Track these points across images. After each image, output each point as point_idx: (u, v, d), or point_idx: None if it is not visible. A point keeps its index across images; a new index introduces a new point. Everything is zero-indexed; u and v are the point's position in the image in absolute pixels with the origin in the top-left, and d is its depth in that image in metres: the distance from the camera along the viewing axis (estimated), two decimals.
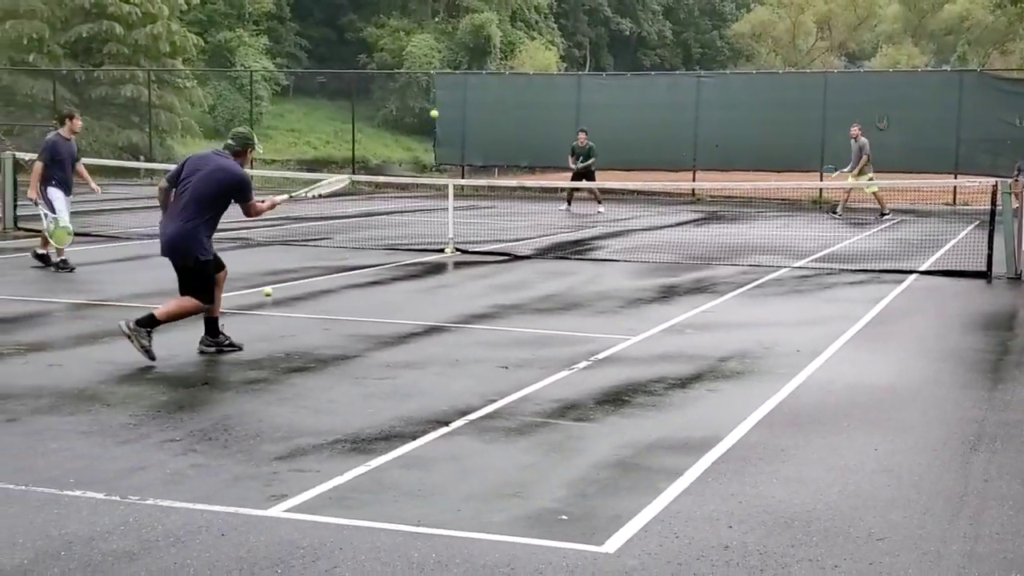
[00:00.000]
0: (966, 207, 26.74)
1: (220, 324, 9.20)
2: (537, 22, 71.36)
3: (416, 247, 17.06)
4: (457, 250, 16.53)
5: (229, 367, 8.64)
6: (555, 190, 26.40)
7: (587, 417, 7.40)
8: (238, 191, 8.97)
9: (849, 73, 44.57)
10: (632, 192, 29.77)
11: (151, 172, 34.83)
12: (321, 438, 6.74)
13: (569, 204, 25.99)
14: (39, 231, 14.22)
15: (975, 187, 21.15)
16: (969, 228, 20.88)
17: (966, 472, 6.36)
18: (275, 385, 8.12)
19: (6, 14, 39.40)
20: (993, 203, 14.94)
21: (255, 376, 8.37)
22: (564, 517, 5.47)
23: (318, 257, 15.83)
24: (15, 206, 18.08)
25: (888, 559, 5.02)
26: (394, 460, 6.36)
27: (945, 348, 10.15)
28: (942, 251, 17.37)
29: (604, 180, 29.32)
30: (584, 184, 25.19)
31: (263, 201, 9.33)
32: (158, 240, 9.12)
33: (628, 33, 79.81)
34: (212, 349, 8.98)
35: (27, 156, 26.29)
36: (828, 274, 14.89)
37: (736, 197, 29.04)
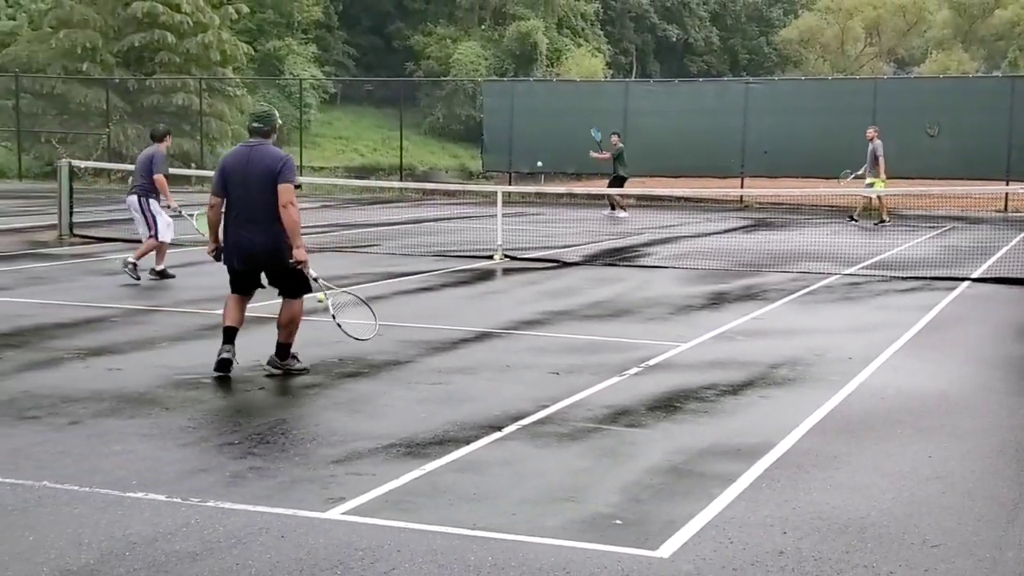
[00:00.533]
0: (1017, 214, 26.51)
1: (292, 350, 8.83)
2: (583, 29, 71.34)
3: (465, 254, 17.16)
4: (506, 256, 16.61)
5: (284, 373, 8.74)
6: (601, 197, 26.42)
7: (639, 423, 7.44)
8: (281, 170, 8.40)
9: (899, 79, 44.26)
10: (679, 199, 29.77)
11: (202, 180, 35.22)
12: (376, 442, 6.82)
13: (612, 209, 26.02)
14: (106, 239, 14.45)
15: None
16: (1021, 235, 20.70)
17: (1020, 479, 6.33)
18: (330, 390, 8.23)
19: (60, 24, 40.01)
20: None
21: (310, 381, 8.48)
22: (618, 522, 5.51)
23: (369, 263, 15.96)
24: (71, 213, 18.36)
25: (943, 565, 5.02)
26: (448, 464, 6.43)
27: (998, 355, 10.09)
28: (994, 258, 17.23)
29: (651, 186, 29.36)
30: (614, 190, 25.29)
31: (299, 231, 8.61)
32: (233, 252, 8.54)
33: (675, 39, 79.57)
34: (279, 371, 8.58)
35: (82, 164, 26.83)
36: (879, 281, 14.82)
37: (785, 204, 28.93)
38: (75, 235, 18.20)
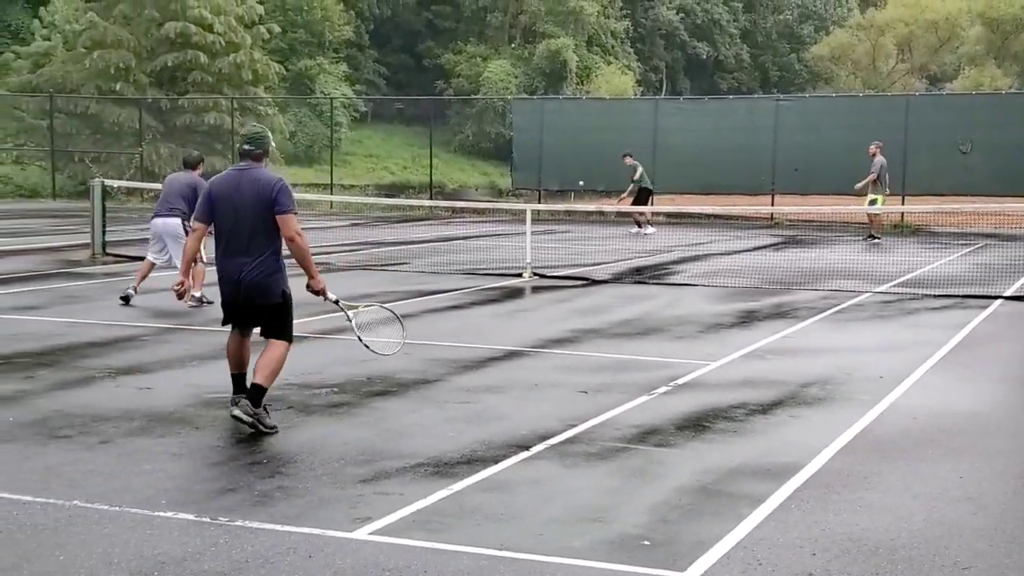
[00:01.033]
0: None
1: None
2: (613, 47, 71.41)
3: (494, 272, 17.16)
4: (535, 275, 16.61)
5: (312, 392, 8.77)
6: (630, 215, 26.40)
7: (668, 442, 7.41)
8: (276, 198, 7.49)
9: (931, 95, 43.97)
10: (709, 216, 29.70)
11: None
12: (404, 461, 6.83)
13: (639, 227, 26.02)
14: (138, 258, 14.13)
15: None
16: None
17: None
18: (357, 409, 8.24)
19: (95, 44, 40.39)
20: None
21: (338, 400, 8.50)
22: (646, 542, 5.49)
23: (398, 282, 15.99)
24: (104, 232, 18.50)
25: None
26: (476, 484, 6.43)
27: None
28: None
29: (681, 204, 29.32)
30: (636, 208, 25.32)
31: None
32: (223, 285, 7.71)
33: (705, 57, 79.52)
34: (248, 420, 7.38)
35: (114, 183, 27.07)
36: (911, 299, 14.72)
37: (815, 221, 28.80)
38: (108, 254, 18.33)
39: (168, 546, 5.32)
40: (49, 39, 44.10)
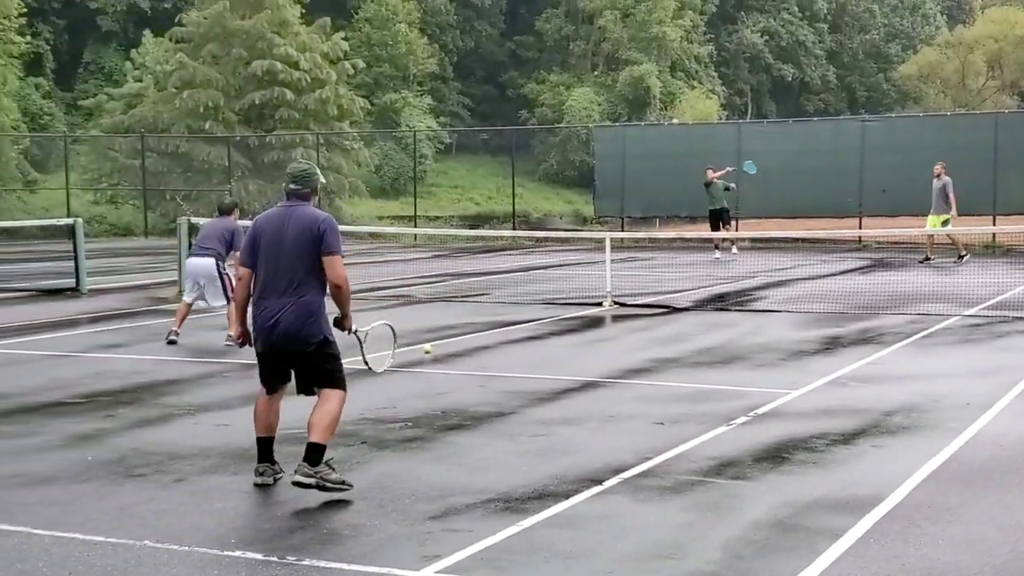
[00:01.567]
0: None
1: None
2: (697, 71, 71.18)
3: (574, 301, 17.08)
4: (615, 303, 16.49)
5: (386, 426, 8.76)
6: (711, 240, 26.15)
7: (745, 475, 7.25)
8: (324, 238, 6.90)
9: (1021, 112, 43.02)
10: (796, 240, 29.30)
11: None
12: (474, 497, 6.77)
13: (719, 249, 25.77)
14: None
15: None
16: None
17: None
18: (431, 443, 8.21)
19: (184, 84, 41.31)
20: None
21: (411, 434, 8.47)
22: None
23: (477, 312, 15.99)
24: None
25: None
26: (547, 520, 6.34)
27: None
28: None
29: (767, 228, 28.98)
30: (720, 234, 25.06)
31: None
32: (257, 332, 7.14)
33: (790, 79, 78.86)
34: (311, 481, 6.76)
35: (203, 220, 27.48)
36: (1001, 322, 14.32)
37: (904, 243, 28.23)
38: None
39: None
40: (140, 80, 45.27)
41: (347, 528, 6.22)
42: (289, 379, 7.22)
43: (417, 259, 26.84)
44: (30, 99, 48.69)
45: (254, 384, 10.57)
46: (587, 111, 61.48)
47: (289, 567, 5.59)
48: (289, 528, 6.24)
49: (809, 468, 7.42)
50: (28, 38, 45.30)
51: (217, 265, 13.30)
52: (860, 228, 29.04)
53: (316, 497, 6.80)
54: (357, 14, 61.40)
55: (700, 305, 16.75)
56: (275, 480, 7.13)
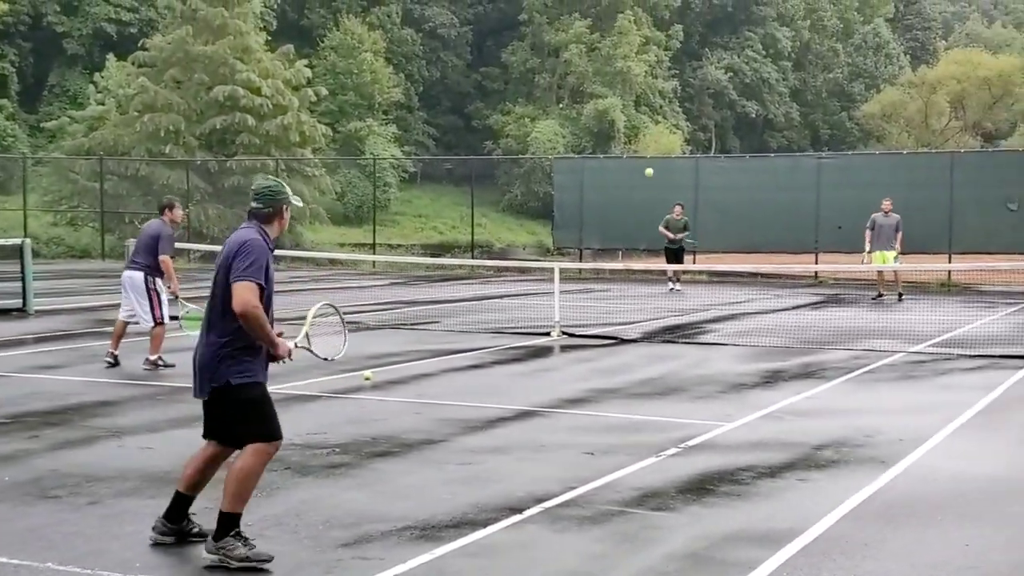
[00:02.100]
0: None
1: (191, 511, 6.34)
2: (661, 106, 71.57)
3: (523, 331, 17.02)
4: (564, 333, 16.44)
5: (313, 452, 8.65)
6: (665, 272, 26.20)
7: (667, 506, 7.20)
8: (232, 263, 6.02)
9: (977, 152, 43.55)
10: (754, 275, 29.43)
11: (278, 258, 35.75)
12: (391, 524, 6.67)
13: (671, 281, 25.86)
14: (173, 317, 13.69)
15: None
16: None
17: None
18: (356, 470, 8.11)
19: (145, 108, 41.14)
20: None
21: (338, 460, 8.37)
22: None
23: (424, 340, 15.90)
24: None
25: None
26: (460, 548, 6.27)
27: None
28: None
29: (723, 262, 29.10)
30: (676, 267, 25.10)
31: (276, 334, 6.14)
32: None
33: (754, 115, 79.45)
34: (211, 559, 5.94)
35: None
36: (945, 359, 14.37)
37: (860, 280, 28.37)
38: None
39: None
40: (103, 103, 45.04)
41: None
42: (218, 429, 6.29)
43: (373, 286, 26.71)
44: None
45: (184, 408, 10.48)
46: (551, 143, 61.66)
47: None
48: (199, 553, 6.11)
49: (732, 501, 7.37)
50: None
51: (146, 280, 12.78)
52: (816, 264, 29.18)
53: None
54: (323, 42, 61.47)
55: (648, 337, 16.72)
56: (166, 538, 6.24)
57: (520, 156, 60.78)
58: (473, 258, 35.64)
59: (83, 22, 55.32)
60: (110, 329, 16.25)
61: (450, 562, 6.04)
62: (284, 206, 6.31)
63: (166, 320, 12.98)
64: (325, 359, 6.74)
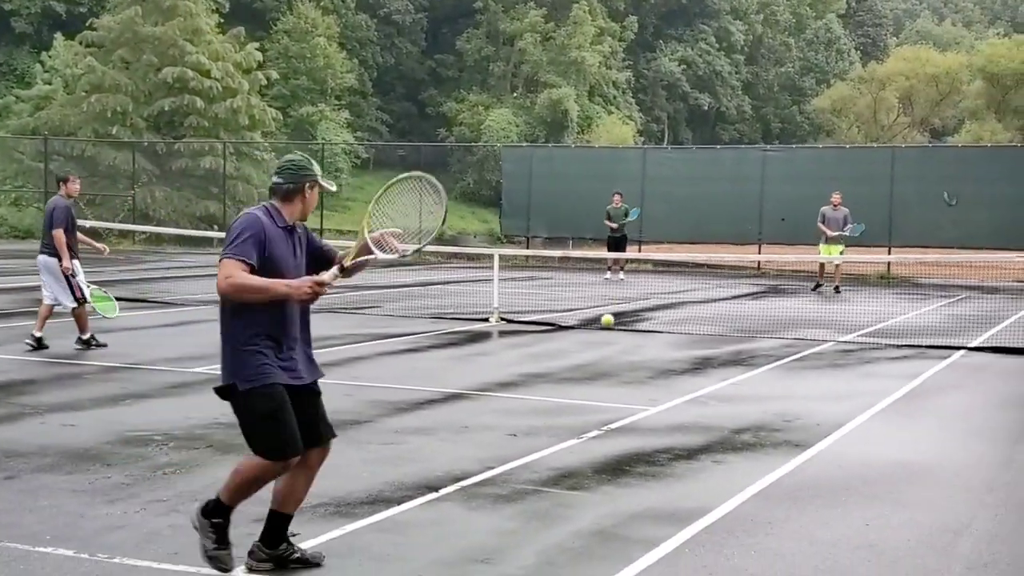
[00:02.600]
0: None
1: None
2: (615, 97, 71.87)
3: (462, 316, 17.12)
4: (502, 319, 16.56)
5: (237, 431, 8.66)
6: (618, 261, 26.41)
7: (581, 486, 7.34)
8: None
9: (918, 147, 44.15)
10: (699, 265, 29.70)
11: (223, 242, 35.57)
12: (307, 501, 6.72)
13: (610, 271, 26.20)
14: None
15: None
16: None
17: (952, 550, 6.17)
18: None
19: (93, 88, 40.75)
20: None
21: None
22: None
23: (363, 324, 15.95)
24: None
25: None
26: (373, 524, 6.37)
27: (972, 426, 9.89)
28: (998, 328, 16.96)
29: (667, 252, 29.34)
30: (617, 255, 25.36)
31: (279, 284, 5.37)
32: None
33: (707, 108, 79.97)
34: (266, 567, 5.60)
35: (107, 225, 27.26)
36: (872, 349, 14.63)
37: (802, 271, 28.71)
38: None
39: None
40: (50, 83, 44.51)
41: (168, 528, 6.18)
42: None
43: None
44: None
45: (112, 387, 10.51)
46: (505, 132, 61.72)
47: (96, 564, 5.55)
48: (109, 527, 6.18)
49: (646, 481, 7.52)
50: None
51: (61, 263, 12.65)
52: (759, 254, 29.48)
53: (148, 497, 6.77)
54: (276, 26, 61.10)
55: (586, 324, 16.87)
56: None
57: (472, 144, 60.80)
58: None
59: (32, 0, 54.65)
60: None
61: (361, 537, 6.14)
62: (307, 184, 5.59)
63: (88, 298, 12.92)
64: (403, 255, 5.73)
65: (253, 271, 5.33)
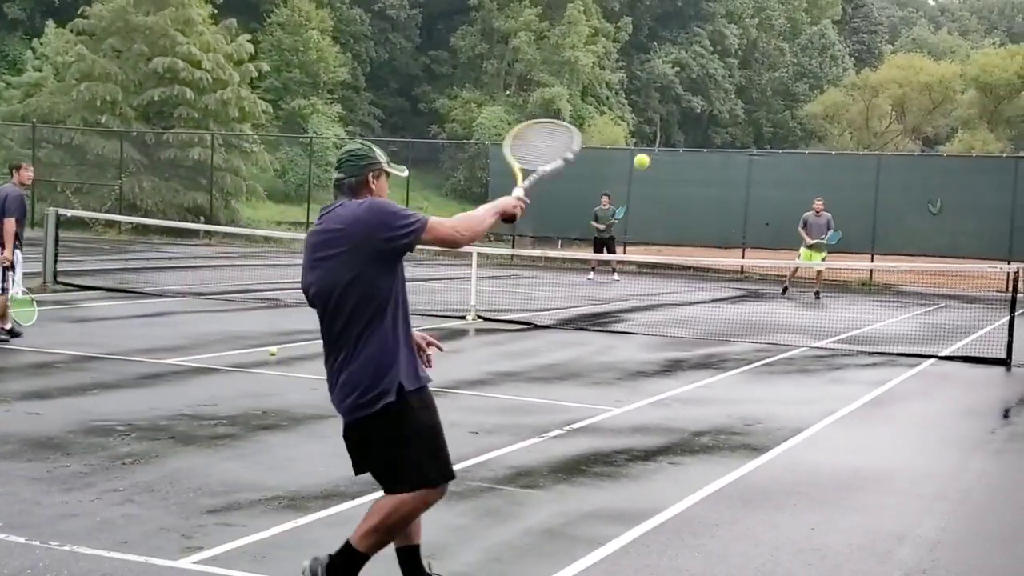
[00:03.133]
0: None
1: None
2: (608, 98, 71.97)
3: (439, 314, 17.20)
4: (480, 317, 16.65)
5: (199, 423, 8.79)
6: (610, 262, 26.56)
7: (536, 484, 7.43)
8: (384, 232, 4.86)
9: (903, 155, 44.33)
10: (684, 268, 29.81)
11: (210, 234, 35.68)
12: (261, 494, 6.84)
13: (594, 271, 26.37)
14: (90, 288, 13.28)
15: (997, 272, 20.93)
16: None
17: (893, 557, 6.27)
18: (240, 441, 8.26)
19: (83, 76, 40.72)
20: (1015, 289, 14.74)
21: (223, 432, 8.51)
22: None
23: None
24: (56, 261, 18.52)
25: None
26: (324, 518, 6.45)
27: (931, 435, 10.01)
28: (971, 337, 17.07)
29: (652, 254, 29.45)
30: (607, 256, 25.53)
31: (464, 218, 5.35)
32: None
33: (699, 111, 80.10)
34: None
35: (94, 214, 27.32)
36: (843, 355, 14.74)
37: (785, 276, 28.81)
38: (59, 283, 18.35)
39: None
40: (40, 70, 44.50)
41: (121, 518, 6.25)
42: (367, 464, 5.37)
43: (298, 264, 26.69)
44: None
45: (83, 376, 10.58)
46: (497, 129, 61.75)
47: (47, 551, 5.62)
48: (63, 515, 6.25)
49: (600, 481, 7.61)
50: None
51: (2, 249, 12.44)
52: (743, 259, 29.61)
53: (104, 486, 6.84)
54: (269, 18, 61.09)
55: (563, 324, 16.97)
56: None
57: (464, 141, 60.87)
58: None
59: None
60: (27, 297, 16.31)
61: (310, 530, 6.22)
62: (371, 174, 5.03)
63: (9, 290, 12.65)
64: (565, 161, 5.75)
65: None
